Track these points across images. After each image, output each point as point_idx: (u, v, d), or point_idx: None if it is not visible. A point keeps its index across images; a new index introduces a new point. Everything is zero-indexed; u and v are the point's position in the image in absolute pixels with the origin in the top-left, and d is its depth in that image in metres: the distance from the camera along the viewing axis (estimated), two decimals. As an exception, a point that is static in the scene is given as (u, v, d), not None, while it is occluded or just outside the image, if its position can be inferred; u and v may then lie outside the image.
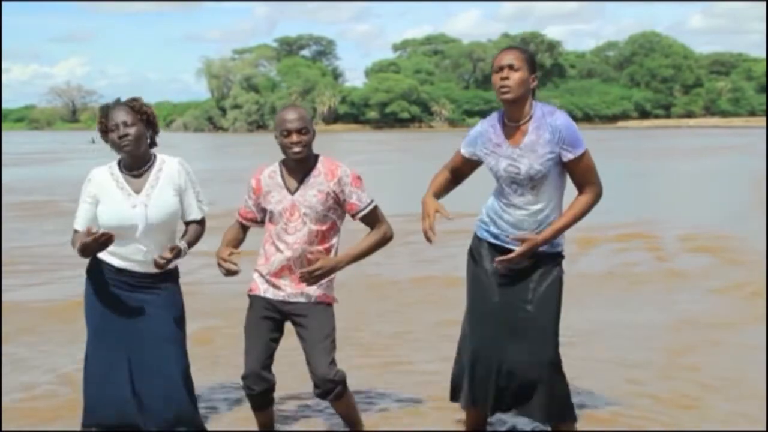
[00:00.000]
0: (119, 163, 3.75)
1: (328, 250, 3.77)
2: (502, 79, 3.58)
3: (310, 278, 3.68)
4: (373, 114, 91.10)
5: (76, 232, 3.70)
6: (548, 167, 3.60)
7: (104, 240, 3.46)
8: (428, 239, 3.71)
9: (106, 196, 3.67)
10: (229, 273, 3.72)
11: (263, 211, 3.83)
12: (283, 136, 3.68)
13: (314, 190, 3.71)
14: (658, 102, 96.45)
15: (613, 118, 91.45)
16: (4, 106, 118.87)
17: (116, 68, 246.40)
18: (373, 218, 3.81)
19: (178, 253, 3.65)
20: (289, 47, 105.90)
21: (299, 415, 4.42)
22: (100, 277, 3.75)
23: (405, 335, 6.17)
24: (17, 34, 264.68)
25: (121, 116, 3.62)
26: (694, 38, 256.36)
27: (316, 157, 3.77)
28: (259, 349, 3.78)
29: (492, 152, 3.70)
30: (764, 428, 4.15)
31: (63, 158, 35.64)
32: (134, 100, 3.73)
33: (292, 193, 3.73)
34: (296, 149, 3.66)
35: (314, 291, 3.76)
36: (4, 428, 4.24)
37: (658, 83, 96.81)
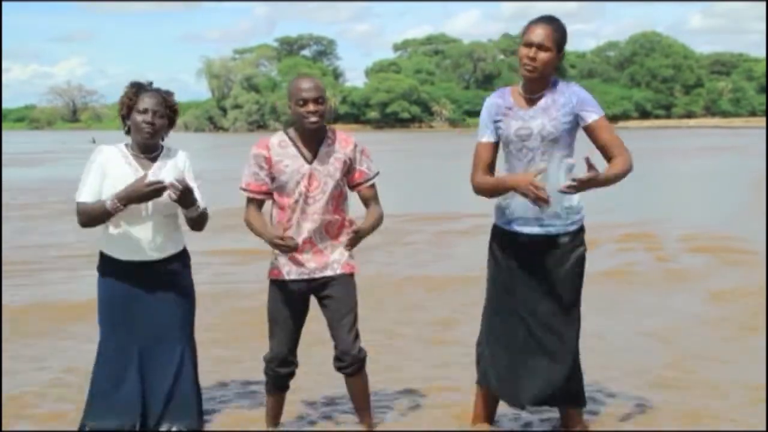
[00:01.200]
0: (126, 146, 3.81)
1: (344, 218, 3.78)
2: (530, 57, 3.53)
3: (354, 243, 3.68)
4: (373, 114, 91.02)
5: (81, 203, 3.65)
6: (560, 130, 3.57)
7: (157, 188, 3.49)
8: (544, 200, 3.38)
9: (114, 170, 3.71)
10: (291, 249, 3.61)
11: (273, 182, 3.76)
12: (299, 106, 3.65)
13: (332, 158, 3.71)
14: (659, 102, 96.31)
15: (614, 118, 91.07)
16: (4, 106, 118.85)
17: (116, 68, 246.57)
18: (374, 190, 3.84)
19: (187, 187, 3.56)
20: (289, 47, 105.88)
21: (304, 413, 4.42)
22: (111, 275, 3.79)
23: (396, 334, 6.17)
24: (17, 34, 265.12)
25: (154, 104, 3.71)
26: (694, 38, 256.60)
27: (324, 126, 3.76)
28: (287, 333, 3.80)
29: (503, 117, 3.65)
30: (764, 429, 4.15)
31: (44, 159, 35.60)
32: (169, 94, 3.81)
33: (310, 162, 3.71)
34: (313, 119, 3.65)
35: (338, 262, 3.77)
36: (4, 428, 4.24)
37: (658, 83, 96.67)
